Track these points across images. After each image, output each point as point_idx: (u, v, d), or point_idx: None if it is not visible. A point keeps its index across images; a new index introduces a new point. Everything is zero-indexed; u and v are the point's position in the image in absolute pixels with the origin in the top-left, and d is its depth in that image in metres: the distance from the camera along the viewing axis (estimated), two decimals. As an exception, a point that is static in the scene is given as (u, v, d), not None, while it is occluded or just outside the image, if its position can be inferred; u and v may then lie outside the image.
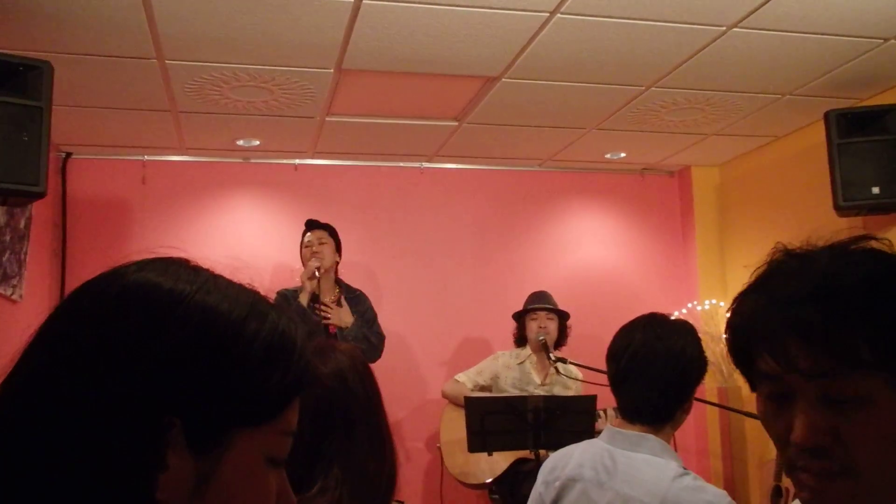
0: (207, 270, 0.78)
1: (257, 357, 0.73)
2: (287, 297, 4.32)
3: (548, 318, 4.74)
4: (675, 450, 1.95)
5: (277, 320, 0.76)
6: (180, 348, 0.70)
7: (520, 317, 4.86)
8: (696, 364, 1.96)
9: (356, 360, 1.55)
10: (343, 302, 4.52)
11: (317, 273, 4.34)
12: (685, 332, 1.98)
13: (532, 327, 4.75)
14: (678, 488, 1.79)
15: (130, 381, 0.68)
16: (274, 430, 0.75)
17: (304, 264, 4.50)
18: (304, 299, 4.30)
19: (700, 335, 2.03)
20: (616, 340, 2.03)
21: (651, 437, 1.91)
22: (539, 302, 4.82)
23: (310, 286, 4.34)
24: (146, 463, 0.67)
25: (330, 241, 4.55)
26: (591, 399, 3.88)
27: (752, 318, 1.00)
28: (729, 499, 1.79)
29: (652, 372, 1.91)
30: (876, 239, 0.99)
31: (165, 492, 0.68)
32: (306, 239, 4.58)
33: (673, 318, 2.05)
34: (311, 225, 4.63)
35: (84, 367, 0.68)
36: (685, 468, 1.87)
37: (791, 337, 0.93)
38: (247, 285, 0.79)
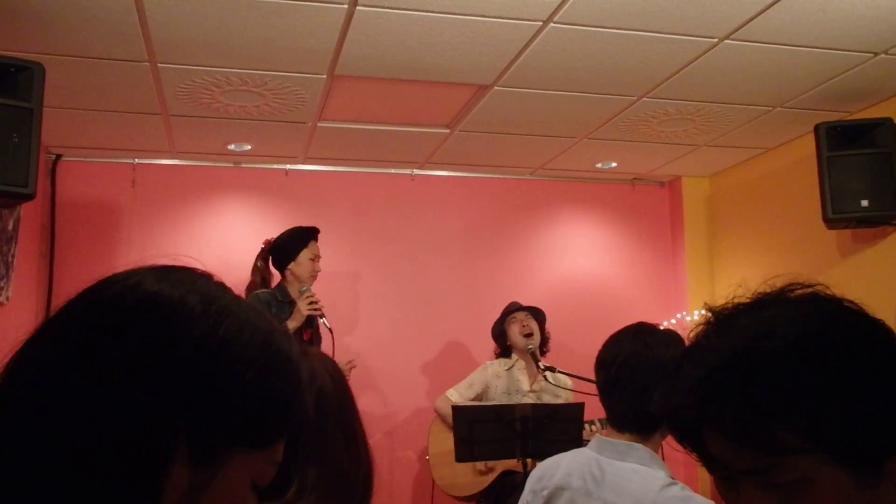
0: (230, 290, 0.79)
1: (269, 386, 0.74)
2: (263, 301, 4.23)
3: (527, 317, 4.74)
4: (663, 460, 1.95)
5: (291, 353, 0.78)
6: (197, 366, 0.70)
7: (500, 328, 4.83)
8: None
9: (326, 363, 1.56)
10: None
11: (321, 314, 4.30)
12: (674, 342, 1.98)
13: (515, 330, 4.71)
14: (666, 498, 1.79)
15: (146, 388, 0.68)
16: (265, 457, 0.76)
17: (301, 269, 4.37)
18: (293, 326, 4.15)
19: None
20: (605, 349, 2.03)
21: (639, 446, 1.91)
22: (514, 307, 4.81)
23: (303, 318, 4.20)
24: (151, 468, 0.68)
25: None
26: (579, 407, 3.86)
27: (668, 408, 0.92)
28: None
29: (641, 380, 1.91)
30: (814, 285, 0.91)
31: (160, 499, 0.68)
32: (314, 250, 4.44)
33: (662, 328, 2.06)
34: (316, 235, 4.52)
35: (97, 371, 0.68)
36: (673, 478, 1.87)
37: (708, 430, 0.87)
38: (261, 312, 0.80)
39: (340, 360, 4.31)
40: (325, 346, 4.38)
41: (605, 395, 2.01)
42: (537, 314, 4.77)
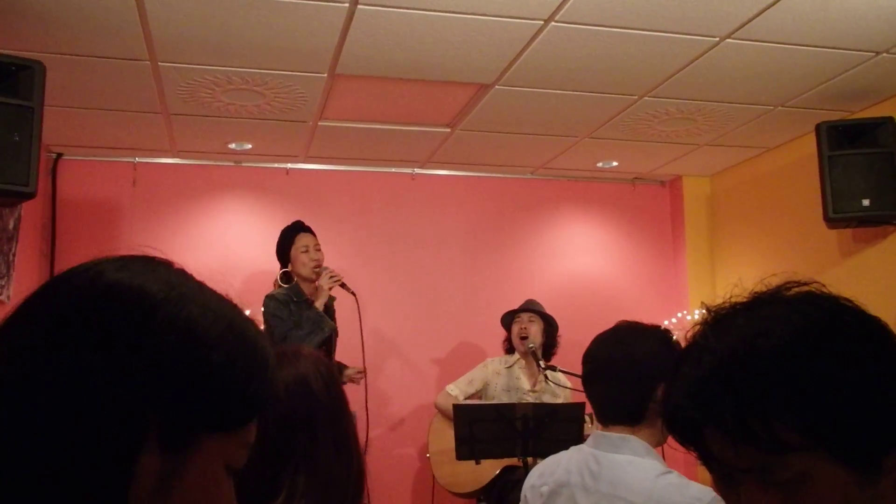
0: (191, 276, 0.79)
1: (235, 368, 0.74)
2: (281, 300, 4.26)
3: (529, 321, 4.73)
4: (663, 457, 1.95)
5: (255, 336, 0.78)
6: (161, 352, 0.70)
7: (508, 325, 4.87)
8: (662, 366, 1.95)
9: (320, 365, 1.55)
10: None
11: (342, 283, 4.41)
12: (651, 337, 1.99)
13: (514, 331, 4.76)
14: (663, 485, 1.80)
15: (112, 377, 0.68)
16: (237, 439, 0.77)
17: (297, 266, 4.42)
18: (320, 304, 4.26)
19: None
20: (589, 346, 2.07)
21: (633, 438, 1.91)
22: (523, 306, 4.83)
23: (327, 293, 4.33)
24: (120, 457, 0.68)
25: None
26: (580, 406, 3.86)
27: (668, 408, 0.93)
28: (714, 494, 1.78)
29: (613, 374, 1.96)
30: (810, 283, 0.91)
31: (131, 487, 0.69)
32: (303, 242, 4.45)
33: (656, 326, 2.07)
34: (305, 228, 4.55)
35: (61, 362, 0.68)
36: (669, 469, 1.88)
37: (708, 429, 0.88)
38: (226, 296, 0.80)
39: (366, 328, 4.48)
40: (350, 311, 4.50)
41: (585, 389, 2.08)
42: (546, 319, 4.77)
